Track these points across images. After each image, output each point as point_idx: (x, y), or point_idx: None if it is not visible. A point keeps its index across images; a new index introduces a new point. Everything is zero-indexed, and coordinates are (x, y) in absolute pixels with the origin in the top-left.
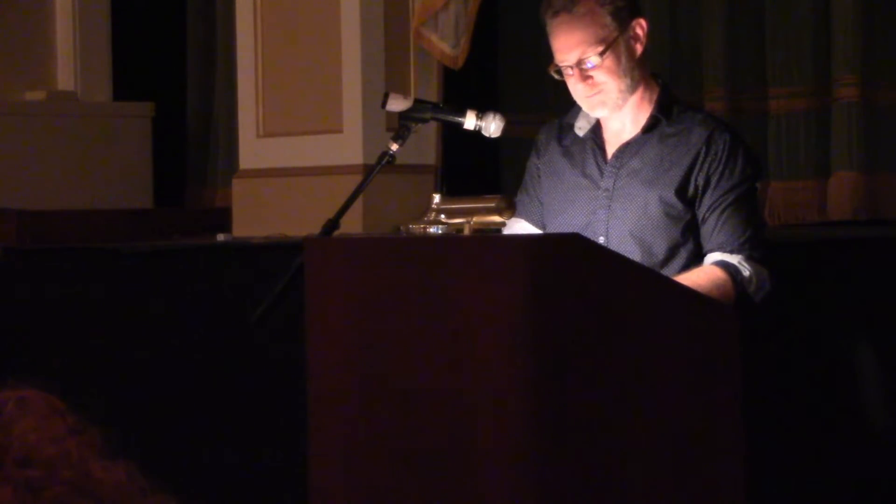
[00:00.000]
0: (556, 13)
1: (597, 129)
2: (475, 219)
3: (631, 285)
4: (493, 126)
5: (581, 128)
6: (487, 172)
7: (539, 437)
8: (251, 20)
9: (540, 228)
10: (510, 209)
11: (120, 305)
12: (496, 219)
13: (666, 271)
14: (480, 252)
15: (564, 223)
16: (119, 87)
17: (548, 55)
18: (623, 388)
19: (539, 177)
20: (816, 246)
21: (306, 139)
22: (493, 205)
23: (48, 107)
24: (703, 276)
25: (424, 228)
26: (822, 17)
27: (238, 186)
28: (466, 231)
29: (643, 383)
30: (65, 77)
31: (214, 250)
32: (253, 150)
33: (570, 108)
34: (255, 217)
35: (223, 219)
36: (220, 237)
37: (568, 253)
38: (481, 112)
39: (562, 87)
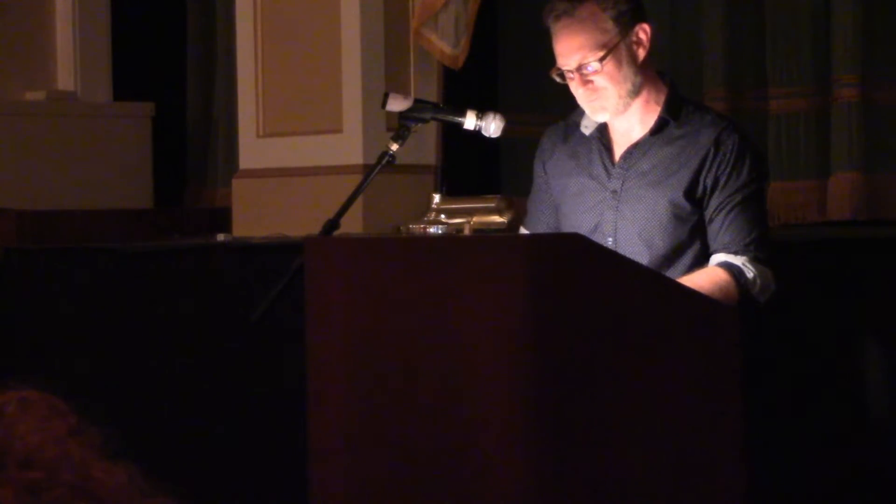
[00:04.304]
0: (557, 17)
1: (603, 128)
2: (475, 219)
3: (631, 285)
4: (493, 126)
5: (587, 126)
6: (487, 172)
7: (539, 437)
8: (251, 20)
9: None
10: (510, 209)
11: (120, 305)
12: (496, 219)
13: (672, 271)
14: (480, 252)
15: (573, 224)
16: (119, 87)
17: (548, 55)
18: (623, 388)
19: (548, 182)
20: (816, 246)
21: (306, 139)
22: (493, 205)
23: (48, 107)
24: (706, 277)
25: (424, 228)
26: (822, 17)
27: (238, 186)
28: (466, 231)
29: (643, 383)
30: (65, 77)
31: (214, 250)
32: (253, 150)
33: (569, 107)
34: (255, 217)
35: (223, 219)
36: (220, 237)
37: (568, 253)
38: (481, 112)
39: (561, 88)
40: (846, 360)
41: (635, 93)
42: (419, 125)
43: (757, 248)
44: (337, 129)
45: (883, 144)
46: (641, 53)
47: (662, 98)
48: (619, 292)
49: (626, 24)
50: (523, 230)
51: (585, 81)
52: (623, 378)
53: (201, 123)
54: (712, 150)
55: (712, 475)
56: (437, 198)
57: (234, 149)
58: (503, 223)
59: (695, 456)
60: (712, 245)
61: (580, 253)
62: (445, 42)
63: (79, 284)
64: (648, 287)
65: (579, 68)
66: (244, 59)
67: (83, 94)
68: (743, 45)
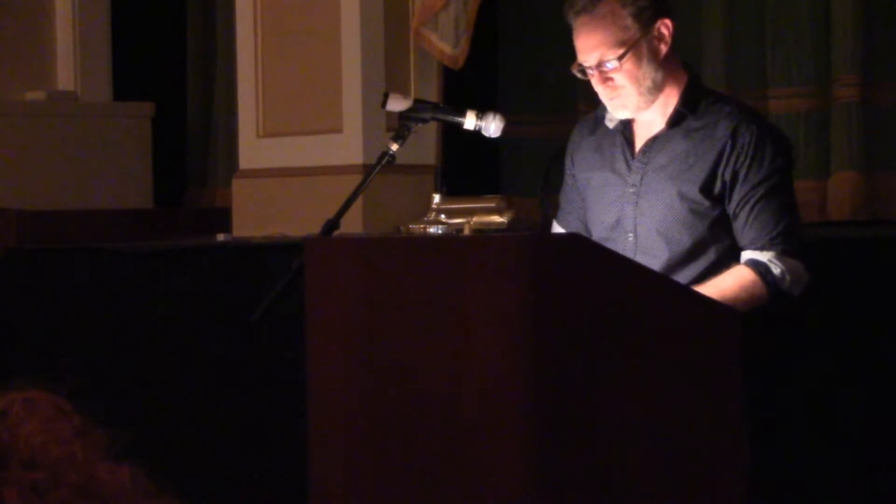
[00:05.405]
0: (577, 13)
1: (627, 122)
2: (475, 219)
3: (631, 285)
4: (493, 126)
5: (611, 120)
6: (487, 172)
7: (539, 436)
8: (251, 21)
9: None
10: (510, 209)
11: (120, 305)
12: (496, 219)
13: (695, 267)
14: (480, 252)
15: (596, 219)
16: (119, 87)
17: (547, 55)
18: (623, 388)
19: (574, 175)
20: (816, 246)
21: (306, 139)
22: (492, 205)
23: (48, 107)
24: (731, 279)
25: (424, 228)
26: (822, 17)
27: (238, 186)
28: (466, 231)
29: (643, 383)
30: (65, 77)
31: (214, 250)
32: (253, 150)
33: (569, 108)
34: (255, 217)
35: (223, 219)
36: (220, 237)
37: (568, 253)
38: (481, 112)
39: (560, 88)
40: (847, 359)
41: (657, 89)
42: (419, 125)
43: (785, 241)
44: (337, 129)
45: (883, 144)
46: (663, 49)
47: (681, 90)
48: (619, 292)
49: (646, 20)
50: (556, 224)
51: (605, 79)
52: (623, 378)
53: (201, 123)
54: (729, 143)
55: (712, 475)
56: (437, 198)
57: (234, 149)
58: (503, 223)
59: (694, 456)
60: (739, 241)
61: (580, 253)
62: (445, 42)
63: (79, 284)
64: (648, 287)
65: (599, 65)
66: (244, 59)
67: (83, 94)
68: (743, 45)
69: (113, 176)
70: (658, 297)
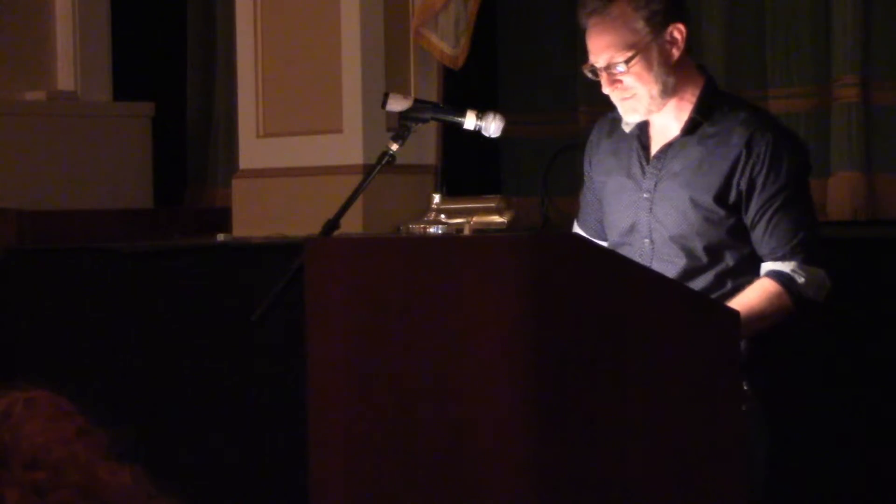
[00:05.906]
0: (589, 14)
1: (643, 125)
2: (475, 219)
3: (630, 286)
4: (493, 126)
5: (628, 124)
6: (487, 172)
7: (539, 437)
8: (251, 20)
9: (601, 238)
10: (510, 209)
11: (120, 305)
12: (496, 219)
13: (711, 274)
14: (480, 252)
15: (612, 223)
16: (119, 87)
17: (547, 55)
18: (623, 389)
19: (591, 177)
20: None
21: (306, 139)
22: (492, 205)
23: (48, 107)
24: (756, 293)
25: (424, 228)
26: (822, 17)
27: (238, 186)
28: (466, 231)
29: (643, 383)
30: (65, 77)
31: (214, 250)
32: (253, 150)
33: (570, 108)
34: (255, 217)
35: (223, 219)
36: (220, 237)
37: (568, 253)
38: (481, 112)
39: (560, 88)
40: (847, 359)
41: (668, 93)
42: (419, 125)
43: (805, 250)
44: (337, 129)
45: (883, 144)
46: (675, 53)
47: (697, 95)
48: (619, 292)
49: (658, 24)
50: (576, 225)
51: (613, 81)
52: (623, 378)
53: (201, 123)
54: (744, 152)
55: (712, 475)
56: (437, 198)
57: (234, 149)
58: (503, 223)
59: (694, 456)
60: (758, 251)
61: (580, 253)
62: (445, 42)
63: (79, 284)
64: (648, 287)
65: (607, 67)
66: (244, 59)
67: (83, 94)
68: (743, 45)
69: (113, 176)
70: (658, 297)
